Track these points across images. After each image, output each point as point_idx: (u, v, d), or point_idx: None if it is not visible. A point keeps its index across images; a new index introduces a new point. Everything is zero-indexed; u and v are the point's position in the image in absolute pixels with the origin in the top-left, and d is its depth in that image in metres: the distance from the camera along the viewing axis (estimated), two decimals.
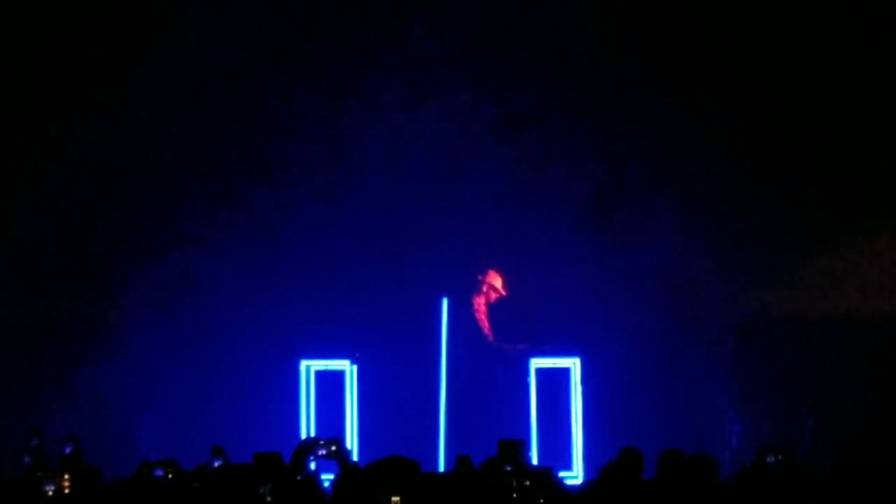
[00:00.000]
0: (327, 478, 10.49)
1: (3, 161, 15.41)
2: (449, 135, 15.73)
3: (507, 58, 15.67)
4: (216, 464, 11.50)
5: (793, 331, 15.67)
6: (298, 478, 9.39)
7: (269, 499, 8.25)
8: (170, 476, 10.31)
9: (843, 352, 15.41)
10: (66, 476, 9.82)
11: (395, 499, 7.82)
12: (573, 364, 15.27)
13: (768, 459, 11.00)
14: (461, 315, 15.92)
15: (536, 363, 15.34)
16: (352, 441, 15.23)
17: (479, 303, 16.12)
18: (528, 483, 8.37)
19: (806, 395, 15.45)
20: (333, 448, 10.39)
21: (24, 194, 15.55)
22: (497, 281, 16.10)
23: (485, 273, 16.14)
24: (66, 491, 9.75)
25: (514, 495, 8.21)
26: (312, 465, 12.02)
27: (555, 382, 15.28)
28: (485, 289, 16.12)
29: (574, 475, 14.61)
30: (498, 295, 16.10)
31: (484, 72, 15.68)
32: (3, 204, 15.46)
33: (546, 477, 9.19)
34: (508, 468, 9.79)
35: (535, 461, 14.63)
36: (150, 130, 15.62)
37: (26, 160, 15.52)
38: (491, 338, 16.07)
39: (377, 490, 7.91)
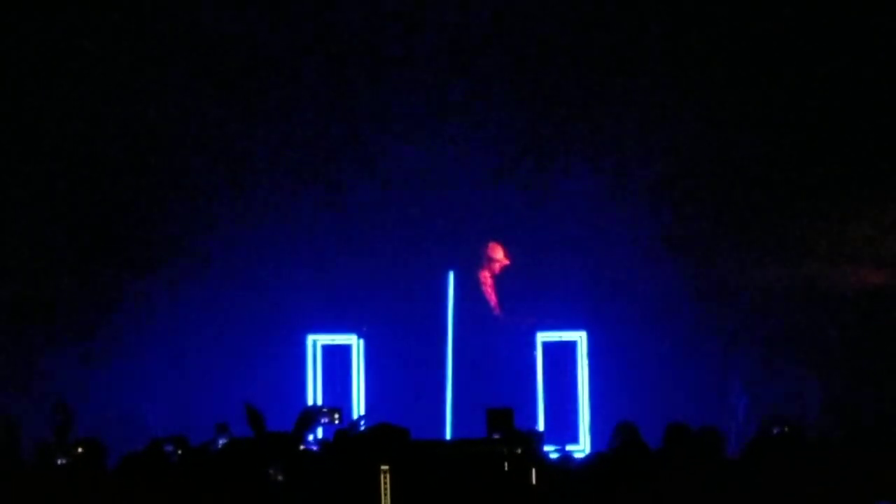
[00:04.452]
0: None
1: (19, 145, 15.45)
2: (456, 111, 15.77)
3: (517, 46, 15.69)
4: (221, 441, 11.52)
5: (800, 302, 15.68)
6: (308, 446, 9.41)
7: (279, 478, 8.26)
8: (179, 452, 10.34)
9: (851, 322, 15.42)
10: (79, 449, 9.85)
11: (385, 466, 7.82)
12: (580, 337, 15.29)
13: (774, 430, 11.02)
14: (467, 289, 15.94)
15: (543, 337, 15.36)
16: (358, 415, 15.25)
17: (485, 276, 16.14)
18: (519, 450, 8.37)
19: (814, 366, 15.46)
20: (336, 417, 10.41)
21: (41, 175, 15.56)
22: (498, 252, 16.12)
23: (485, 247, 16.16)
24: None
25: (505, 462, 8.22)
26: (319, 433, 12.12)
27: (561, 356, 15.31)
28: (487, 262, 16.14)
29: (581, 448, 14.65)
30: (501, 265, 16.12)
31: (495, 56, 15.70)
32: (17, 181, 15.48)
33: (533, 441, 9.19)
34: (497, 436, 9.78)
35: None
36: (162, 113, 15.62)
37: (42, 145, 15.54)
38: (497, 311, 16.09)
39: (367, 457, 7.91)
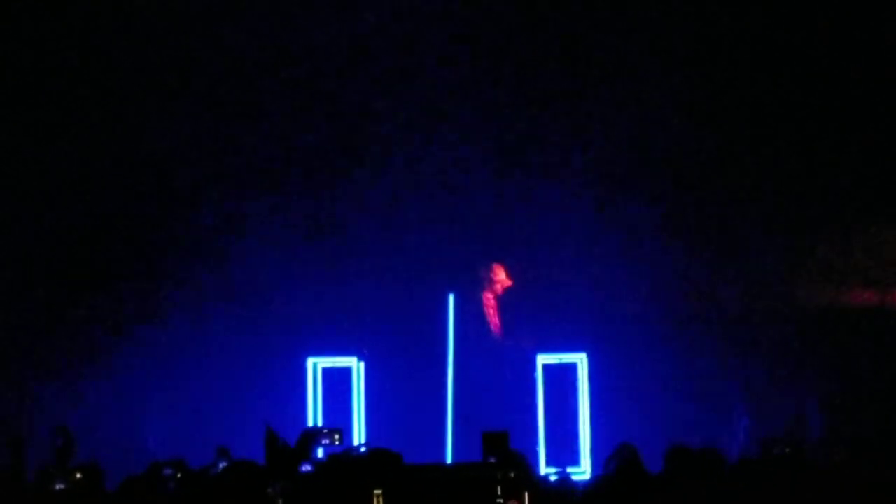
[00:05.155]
0: None
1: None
2: (455, 131, 15.79)
3: (513, 62, 15.71)
4: (221, 465, 11.49)
5: (801, 324, 15.65)
6: (304, 469, 9.39)
7: (280, 501, 8.24)
8: (178, 475, 10.31)
9: (853, 344, 15.39)
10: (78, 475, 9.83)
11: (378, 491, 7.80)
12: (580, 360, 15.28)
13: (775, 452, 11.00)
14: (468, 311, 15.93)
15: (543, 359, 15.34)
16: (359, 438, 15.22)
17: (488, 297, 16.14)
18: (512, 475, 8.37)
19: (815, 387, 15.44)
20: (337, 438, 10.39)
21: (39, 196, 15.53)
22: (500, 273, 16.12)
23: (488, 269, 16.17)
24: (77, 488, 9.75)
25: (499, 487, 8.21)
26: (320, 453, 12.09)
27: (562, 378, 15.29)
28: (489, 283, 16.14)
29: (582, 471, 14.61)
30: (504, 285, 16.12)
31: (494, 73, 15.72)
32: (14, 203, 15.45)
33: (523, 464, 9.17)
34: (493, 460, 9.76)
35: (542, 456, 14.70)
36: (163, 132, 15.61)
37: (43, 163, 15.52)
38: (498, 333, 16.08)
39: (360, 481, 7.90)
